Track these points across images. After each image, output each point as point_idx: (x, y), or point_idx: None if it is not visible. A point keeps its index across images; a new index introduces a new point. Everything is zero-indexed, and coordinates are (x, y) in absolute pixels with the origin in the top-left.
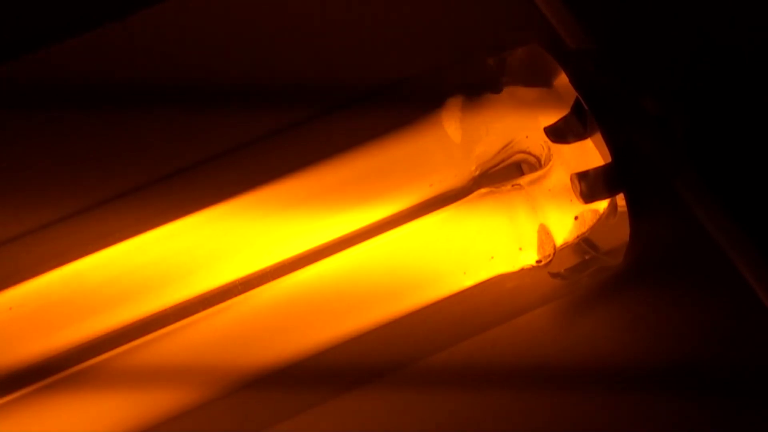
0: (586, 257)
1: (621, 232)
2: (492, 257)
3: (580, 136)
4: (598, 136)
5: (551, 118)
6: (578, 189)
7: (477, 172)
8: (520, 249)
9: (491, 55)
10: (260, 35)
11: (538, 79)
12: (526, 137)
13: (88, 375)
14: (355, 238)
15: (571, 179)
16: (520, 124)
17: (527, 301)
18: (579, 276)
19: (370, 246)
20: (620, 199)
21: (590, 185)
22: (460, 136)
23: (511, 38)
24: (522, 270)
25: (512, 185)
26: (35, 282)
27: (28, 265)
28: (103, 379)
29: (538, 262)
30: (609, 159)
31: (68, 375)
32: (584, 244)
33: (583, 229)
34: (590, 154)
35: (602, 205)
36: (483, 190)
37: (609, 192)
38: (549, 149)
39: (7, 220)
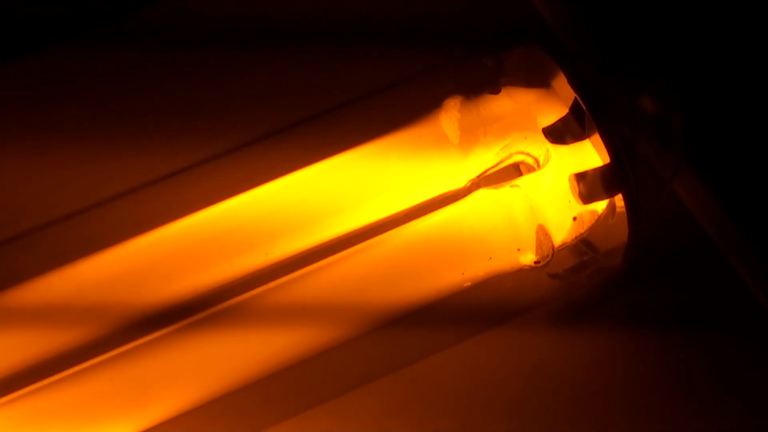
0: (585, 258)
1: (620, 233)
2: (490, 258)
3: (579, 137)
4: (597, 137)
5: (550, 118)
6: (576, 190)
7: (475, 173)
8: (519, 250)
9: (489, 56)
10: (260, 34)
11: (536, 79)
12: (525, 138)
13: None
14: (352, 239)
15: (569, 180)
16: (518, 124)
17: (526, 301)
18: (577, 277)
19: (367, 247)
20: (619, 200)
21: (588, 186)
22: (459, 137)
23: (509, 38)
24: (520, 271)
25: (510, 186)
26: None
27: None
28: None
29: (536, 262)
30: (607, 160)
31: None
32: (583, 244)
33: (582, 230)
34: (589, 154)
35: (601, 205)
36: (481, 191)
37: (607, 193)
38: (547, 150)
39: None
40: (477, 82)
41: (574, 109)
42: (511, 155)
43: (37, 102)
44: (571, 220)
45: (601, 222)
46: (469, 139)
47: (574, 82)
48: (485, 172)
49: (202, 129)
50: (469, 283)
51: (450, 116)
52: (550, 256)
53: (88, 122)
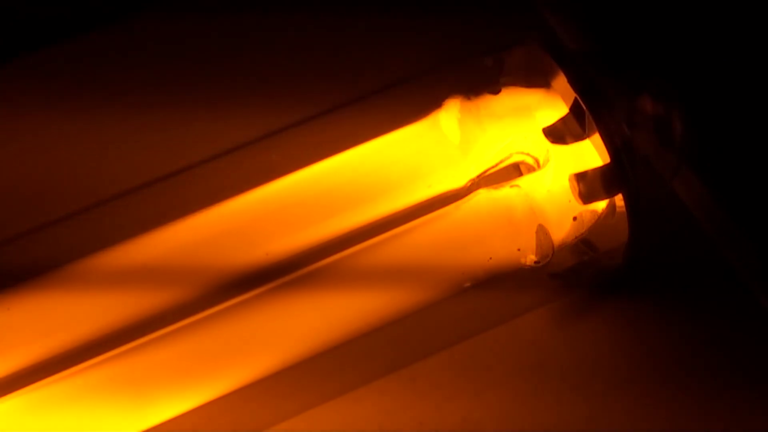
0: (585, 258)
1: (620, 233)
2: (490, 258)
3: (579, 137)
4: (597, 137)
5: (550, 118)
6: (576, 190)
7: (475, 173)
8: (519, 250)
9: (490, 56)
10: (259, 35)
11: (536, 79)
12: (525, 138)
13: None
14: (352, 239)
15: (569, 180)
16: (518, 124)
17: (526, 301)
18: (578, 277)
19: (367, 247)
20: (619, 200)
21: (588, 186)
22: (459, 137)
23: (509, 38)
24: (520, 271)
25: (510, 186)
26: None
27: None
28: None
29: (536, 262)
30: (608, 159)
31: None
32: (583, 244)
33: (582, 230)
34: (589, 154)
35: (601, 205)
36: (481, 191)
37: (607, 192)
38: (547, 150)
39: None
40: (477, 82)
41: (574, 108)
42: (511, 155)
43: (38, 102)
44: (571, 220)
45: (601, 222)
46: (469, 138)
47: (574, 82)
48: (485, 172)
49: (202, 128)
50: (469, 283)
51: (450, 116)
52: (550, 256)
53: (88, 122)
